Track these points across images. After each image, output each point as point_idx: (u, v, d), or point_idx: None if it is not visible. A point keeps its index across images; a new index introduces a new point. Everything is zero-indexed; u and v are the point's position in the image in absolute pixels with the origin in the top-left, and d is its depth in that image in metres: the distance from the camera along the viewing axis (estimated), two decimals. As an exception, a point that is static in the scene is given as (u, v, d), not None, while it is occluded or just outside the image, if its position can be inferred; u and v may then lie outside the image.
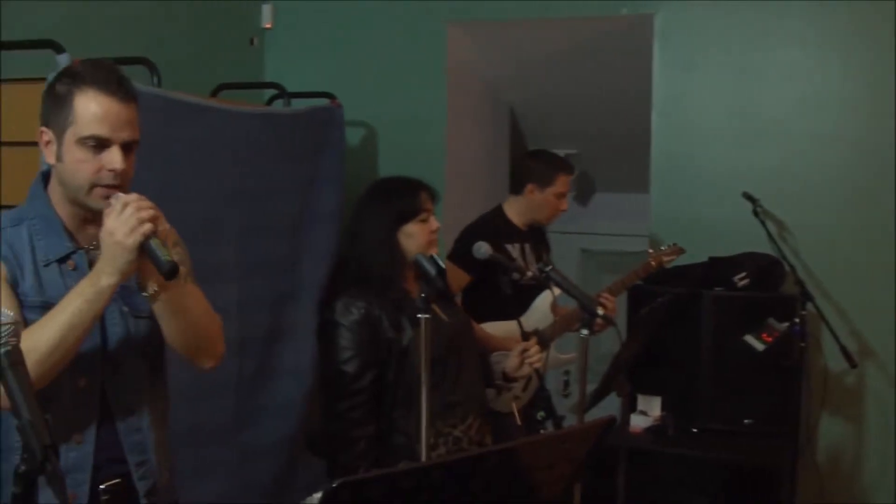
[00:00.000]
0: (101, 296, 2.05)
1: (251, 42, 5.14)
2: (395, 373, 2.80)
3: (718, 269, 4.24)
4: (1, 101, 3.11)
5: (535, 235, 4.25)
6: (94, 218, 2.16)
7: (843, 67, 4.38)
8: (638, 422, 4.08)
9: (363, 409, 2.78)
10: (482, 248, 3.11)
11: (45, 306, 2.09)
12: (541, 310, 3.87)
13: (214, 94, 4.52)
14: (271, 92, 4.76)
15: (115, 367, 2.20)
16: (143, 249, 2.02)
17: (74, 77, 2.11)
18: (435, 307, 2.95)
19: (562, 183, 4.13)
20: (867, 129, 4.32)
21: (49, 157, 2.14)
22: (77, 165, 2.09)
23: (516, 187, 4.21)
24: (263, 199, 4.02)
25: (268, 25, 5.18)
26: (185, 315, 2.20)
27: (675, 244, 4.19)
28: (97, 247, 2.13)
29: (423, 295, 2.42)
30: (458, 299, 3.79)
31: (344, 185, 4.49)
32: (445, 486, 1.71)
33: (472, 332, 3.11)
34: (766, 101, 4.49)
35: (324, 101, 4.58)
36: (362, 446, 2.76)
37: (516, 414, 3.39)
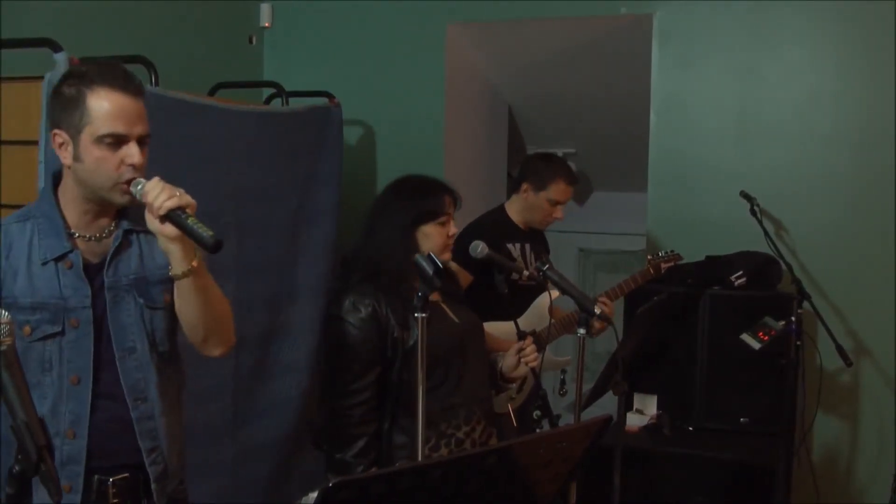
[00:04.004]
0: (195, 279, 2.20)
1: (250, 41, 5.15)
2: (399, 372, 2.79)
3: (715, 267, 4.25)
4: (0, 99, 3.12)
5: (536, 235, 4.25)
6: (106, 212, 2.24)
7: (842, 67, 4.39)
8: (634, 420, 4.09)
9: (365, 407, 2.77)
10: (479, 247, 3.10)
11: (36, 307, 2.17)
12: (539, 311, 3.86)
13: (212, 93, 4.53)
14: (269, 91, 4.77)
15: (127, 356, 2.26)
16: (182, 227, 2.10)
17: (82, 77, 2.16)
18: (444, 307, 2.95)
19: (556, 190, 4.10)
20: (866, 128, 4.33)
21: (65, 158, 2.19)
22: (98, 164, 2.15)
23: (516, 185, 4.21)
24: (261, 198, 4.03)
25: (266, 24, 5.19)
26: (207, 296, 2.27)
27: (673, 251, 4.20)
28: (109, 234, 2.25)
29: (420, 294, 2.41)
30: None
31: (342, 185, 4.50)
32: (442, 486, 1.72)
33: (481, 334, 3.08)
34: (764, 100, 4.50)
35: (322, 101, 4.58)
36: (362, 444, 2.76)
37: (511, 414, 3.39)
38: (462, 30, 5.04)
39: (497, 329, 3.57)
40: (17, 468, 1.49)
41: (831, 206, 4.39)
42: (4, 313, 1.59)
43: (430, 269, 2.44)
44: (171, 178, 2.16)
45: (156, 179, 2.13)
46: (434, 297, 2.87)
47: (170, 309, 2.31)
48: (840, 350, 3.94)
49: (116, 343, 2.25)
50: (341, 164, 4.53)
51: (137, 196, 2.15)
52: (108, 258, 2.26)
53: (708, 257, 4.32)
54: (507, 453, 1.85)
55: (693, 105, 4.62)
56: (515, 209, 4.18)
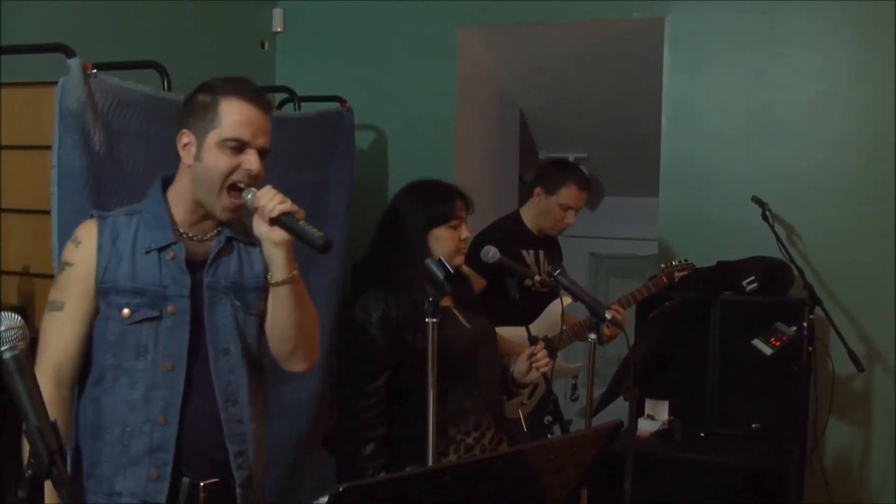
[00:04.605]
0: (293, 288, 2.31)
1: (262, 46, 5.17)
2: (410, 376, 2.79)
3: (727, 273, 4.24)
4: (1, 104, 3.13)
5: (550, 242, 4.24)
6: (211, 216, 2.34)
7: (854, 69, 4.38)
8: (646, 426, 4.08)
9: (376, 411, 2.78)
10: (490, 252, 3.11)
11: (136, 291, 2.27)
12: (551, 317, 3.86)
13: (224, 97, 4.53)
14: (282, 96, 4.77)
15: (221, 356, 2.33)
16: (291, 230, 2.22)
17: (217, 89, 2.29)
18: (456, 312, 2.96)
19: (567, 195, 4.10)
20: (877, 132, 4.32)
21: (187, 157, 2.32)
22: (216, 163, 2.27)
23: (529, 190, 4.21)
24: (273, 202, 4.03)
25: (279, 29, 5.21)
26: (301, 308, 2.37)
27: (686, 260, 4.20)
28: (212, 238, 2.36)
29: (430, 299, 2.42)
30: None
31: (353, 189, 4.51)
32: (451, 491, 1.71)
33: (494, 340, 3.08)
34: (776, 103, 4.49)
35: (334, 105, 4.59)
36: (372, 448, 2.76)
37: (522, 419, 3.39)
38: (473, 33, 5.05)
39: (509, 334, 3.57)
40: (29, 472, 1.50)
41: (843, 210, 4.38)
42: (17, 318, 1.60)
43: (440, 274, 2.44)
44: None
45: (268, 187, 2.26)
46: (445, 302, 2.88)
47: (262, 317, 2.40)
48: (852, 355, 3.93)
49: (211, 342, 2.32)
50: (353, 169, 4.54)
51: (249, 204, 2.26)
52: (211, 259, 2.34)
53: (720, 262, 4.30)
54: (517, 458, 1.85)
55: (704, 109, 4.61)
56: (530, 215, 4.18)
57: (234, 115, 2.26)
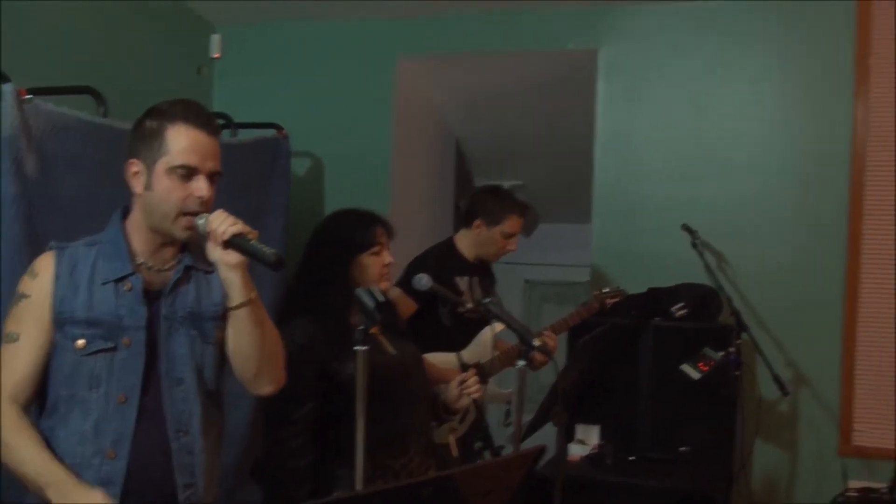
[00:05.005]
0: (252, 310, 2.32)
1: (199, 71, 5.15)
2: (337, 403, 2.81)
3: (657, 299, 4.32)
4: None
5: (484, 269, 4.28)
6: (170, 244, 2.34)
7: (789, 103, 4.48)
8: (577, 451, 4.13)
9: (302, 439, 2.80)
10: (423, 280, 3.16)
11: (92, 322, 2.25)
12: (483, 343, 3.89)
13: (161, 123, 4.52)
14: (219, 122, 4.76)
15: (175, 386, 2.31)
16: (244, 251, 2.23)
17: (164, 114, 2.28)
18: (382, 338, 2.98)
19: (510, 224, 4.15)
20: (813, 164, 4.42)
21: (137, 187, 2.30)
22: (167, 193, 2.26)
23: (467, 220, 4.23)
24: (209, 229, 4.03)
25: (216, 55, 5.20)
26: (262, 329, 2.37)
27: (618, 287, 4.29)
28: (171, 267, 2.34)
29: (360, 327, 2.45)
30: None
31: (289, 216, 4.51)
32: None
33: (420, 366, 3.12)
34: (709, 134, 4.59)
35: (270, 132, 4.60)
36: (300, 476, 2.78)
37: (453, 445, 3.42)
38: (412, 63, 5.09)
39: (442, 360, 3.60)
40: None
41: (776, 239, 4.47)
42: None
43: (371, 304, 2.47)
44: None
45: (219, 211, 2.25)
46: (372, 329, 2.91)
47: (220, 346, 2.39)
48: (777, 379, 4.03)
49: (166, 371, 2.31)
50: (289, 195, 4.54)
51: (201, 229, 2.25)
52: (168, 288, 2.34)
53: (651, 289, 4.38)
54: (446, 483, 1.88)
55: (638, 139, 4.69)
56: (465, 243, 4.21)
57: (181, 142, 2.25)
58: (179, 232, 2.29)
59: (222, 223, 2.22)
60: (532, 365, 3.13)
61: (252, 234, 2.25)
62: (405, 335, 3.11)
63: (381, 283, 2.90)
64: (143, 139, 2.29)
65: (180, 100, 2.35)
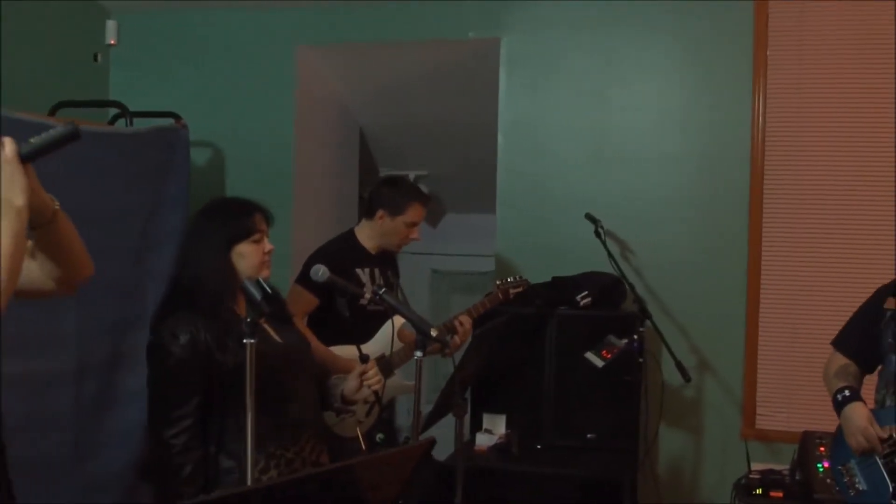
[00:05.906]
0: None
1: (95, 58, 5.02)
2: (222, 396, 2.76)
3: (561, 288, 4.34)
4: None
5: (387, 259, 4.25)
6: None
7: (688, 93, 4.55)
8: (483, 440, 4.13)
9: (188, 435, 2.74)
10: (320, 271, 3.11)
11: None
12: (388, 335, 3.86)
13: (53, 112, 4.39)
14: (114, 111, 4.65)
15: None
16: (39, 151, 1.89)
17: None
18: (268, 327, 2.93)
19: (413, 213, 4.12)
20: (712, 152, 4.49)
21: None
22: None
23: (368, 212, 4.19)
24: (105, 222, 3.91)
25: (112, 42, 5.07)
26: (70, 239, 2.19)
27: (520, 277, 4.30)
28: None
29: (248, 319, 2.39)
30: (305, 320, 3.77)
31: (189, 207, 4.42)
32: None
33: (309, 354, 3.09)
34: (611, 123, 4.62)
35: (168, 122, 4.50)
36: (188, 472, 2.71)
37: (361, 438, 3.39)
38: (312, 51, 5.03)
39: (346, 353, 3.56)
40: None
41: (675, 226, 4.53)
42: None
43: (258, 295, 2.42)
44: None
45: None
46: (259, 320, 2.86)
47: None
48: (679, 366, 4.07)
49: None
50: (188, 187, 4.45)
51: None
52: None
53: (554, 278, 4.40)
54: (333, 476, 1.85)
55: (541, 129, 4.71)
56: (366, 234, 4.16)
57: None
58: None
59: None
60: (442, 352, 3.11)
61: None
62: (289, 323, 3.07)
63: (262, 272, 2.85)
64: None
65: None
